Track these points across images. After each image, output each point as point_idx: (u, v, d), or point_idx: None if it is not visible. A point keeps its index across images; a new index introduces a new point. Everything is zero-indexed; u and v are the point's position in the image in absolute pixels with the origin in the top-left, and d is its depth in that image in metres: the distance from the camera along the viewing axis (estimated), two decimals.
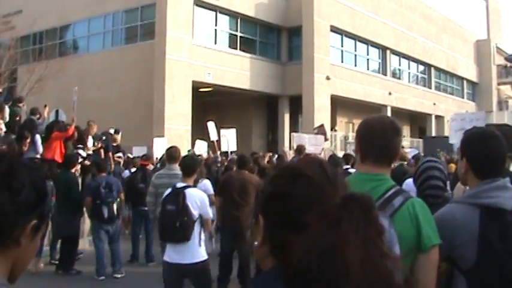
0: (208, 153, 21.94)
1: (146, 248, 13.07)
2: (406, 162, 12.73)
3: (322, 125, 24.01)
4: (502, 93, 62.20)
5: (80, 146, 15.72)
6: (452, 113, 23.50)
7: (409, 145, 38.46)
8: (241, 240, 10.15)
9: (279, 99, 38.96)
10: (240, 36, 36.03)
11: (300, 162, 1.83)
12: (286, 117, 38.77)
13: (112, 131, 19.22)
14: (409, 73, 49.19)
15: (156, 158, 19.46)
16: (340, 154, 18.76)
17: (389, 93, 43.49)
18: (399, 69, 47.72)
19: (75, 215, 12.05)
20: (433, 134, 47.00)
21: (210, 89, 34.96)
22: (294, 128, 37.19)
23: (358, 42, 42.04)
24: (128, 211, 14.95)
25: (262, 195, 1.75)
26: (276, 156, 21.04)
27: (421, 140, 41.48)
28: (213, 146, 21.35)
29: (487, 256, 2.87)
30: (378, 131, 3.05)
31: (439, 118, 50.46)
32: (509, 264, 2.86)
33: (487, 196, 2.99)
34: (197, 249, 7.39)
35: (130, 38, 34.26)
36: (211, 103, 36.68)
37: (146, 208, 11.26)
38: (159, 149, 20.65)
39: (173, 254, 7.36)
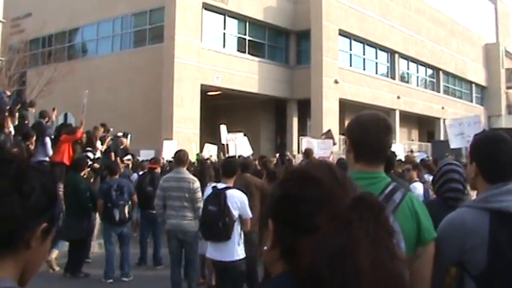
0: (218, 156, 21.93)
1: (154, 251, 13.06)
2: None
3: (329, 130, 23.97)
4: (510, 97, 61.97)
5: (89, 148, 15.75)
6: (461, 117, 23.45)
7: (418, 149, 38.43)
8: (247, 243, 10.14)
9: (287, 102, 38.99)
10: (249, 40, 36.09)
11: (309, 165, 1.83)
12: (295, 121, 38.79)
13: (120, 134, 19.26)
14: (417, 77, 49.14)
15: (167, 161, 19.44)
16: None
17: (398, 97, 43.46)
18: (408, 73, 47.67)
19: (84, 217, 12.04)
20: (442, 138, 46.85)
21: (218, 92, 35.02)
22: (302, 131, 37.23)
23: (366, 46, 42.05)
24: (136, 214, 14.97)
25: (272, 198, 1.74)
26: (278, 155, 21.07)
27: (429, 144, 41.39)
28: (223, 150, 21.35)
29: (497, 261, 2.85)
30: (370, 131, 3.03)
31: None
32: None
33: (497, 200, 2.96)
34: (236, 248, 7.78)
35: (139, 42, 34.39)
36: (219, 107, 36.71)
37: (154, 211, 11.28)
38: (168, 151, 20.67)
39: (214, 251, 7.86)
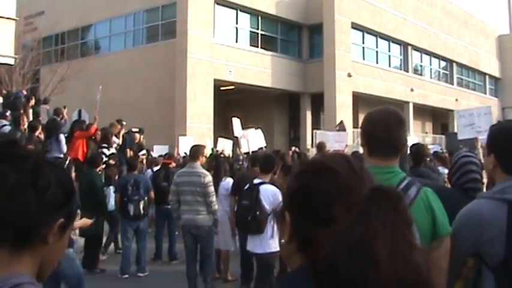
0: (233, 151, 21.89)
1: (169, 246, 13.11)
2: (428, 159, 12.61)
3: (341, 122, 23.91)
4: None
5: (105, 145, 15.81)
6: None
7: (432, 142, 38.30)
8: None
9: (300, 96, 38.96)
10: (261, 34, 36.05)
11: (325, 157, 1.82)
12: (308, 115, 38.76)
13: (135, 130, 19.32)
14: (430, 69, 48.98)
15: (183, 157, 19.39)
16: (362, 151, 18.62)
17: (411, 90, 43.35)
18: (421, 66, 47.53)
19: (99, 214, 12.09)
20: (456, 130, 46.63)
21: (231, 87, 35.04)
22: (316, 125, 37.20)
23: (379, 39, 41.95)
24: (151, 210, 15.02)
25: (288, 191, 1.74)
26: (293, 148, 21.05)
27: (443, 136, 41.24)
28: (237, 143, 21.35)
29: None
30: (379, 125, 3.05)
31: None
32: None
33: None
34: (268, 241, 7.97)
35: (151, 38, 34.42)
36: (232, 101, 36.72)
37: (169, 206, 11.30)
38: (184, 147, 20.64)
39: (249, 243, 8.29)
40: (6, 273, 1.50)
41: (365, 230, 1.41)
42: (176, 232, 12.85)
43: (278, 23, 37.60)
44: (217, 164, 11.94)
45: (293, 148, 22.72)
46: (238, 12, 34.47)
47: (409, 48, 44.49)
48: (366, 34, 40.73)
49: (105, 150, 15.35)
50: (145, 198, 11.71)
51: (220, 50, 32.13)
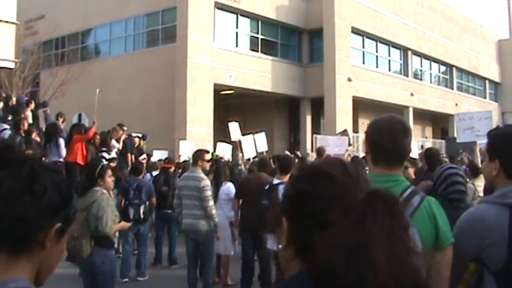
0: (232, 156, 21.86)
1: (169, 251, 13.09)
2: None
3: (345, 130, 23.83)
4: None
5: (104, 149, 15.80)
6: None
7: (432, 146, 38.27)
8: (260, 242, 10.15)
9: (300, 101, 38.92)
10: (261, 39, 36.02)
11: (322, 162, 1.83)
12: (308, 119, 38.71)
13: (135, 135, 19.34)
14: (430, 74, 48.96)
15: (183, 161, 19.38)
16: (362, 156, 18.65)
17: (411, 94, 43.34)
18: (421, 70, 47.51)
19: None
20: (456, 135, 46.61)
21: (231, 91, 35.02)
22: (316, 130, 37.20)
23: (379, 44, 41.92)
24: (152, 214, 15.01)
25: (285, 196, 1.74)
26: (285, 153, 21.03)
27: (443, 141, 41.23)
28: (237, 148, 21.31)
29: None
30: (385, 134, 3.05)
31: None
32: None
33: None
34: None
35: (151, 42, 34.40)
36: (232, 106, 36.71)
37: (169, 211, 11.32)
38: (185, 151, 20.62)
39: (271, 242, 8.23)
40: (3, 278, 1.50)
41: (362, 234, 1.42)
42: (176, 233, 12.88)
43: (278, 28, 37.58)
44: (217, 168, 11.93)
45: (297, 152, 22.72)
46: (239, 16, 34.44)
47: (409, 52, 44.48)
48: (365, 39, 40.70)
49: (105, 154, 15.35)
50: (147, 203, 11.70)
51: (221, 54, 32.10)
